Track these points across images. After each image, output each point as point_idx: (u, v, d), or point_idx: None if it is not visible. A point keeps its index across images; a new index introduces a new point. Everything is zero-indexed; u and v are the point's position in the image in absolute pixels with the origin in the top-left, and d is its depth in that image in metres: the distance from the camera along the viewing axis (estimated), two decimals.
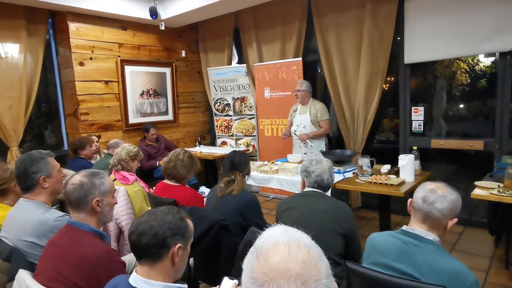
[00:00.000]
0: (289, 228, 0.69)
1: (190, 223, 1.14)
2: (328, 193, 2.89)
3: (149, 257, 1.05)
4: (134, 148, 2.70)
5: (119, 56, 4.61)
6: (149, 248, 1.04)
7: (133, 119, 4.84)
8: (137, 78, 4.85)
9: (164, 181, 2.46)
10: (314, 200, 1.88)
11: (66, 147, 4.56)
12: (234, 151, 2.34)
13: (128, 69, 4.71)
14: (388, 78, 4.21)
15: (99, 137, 4.41)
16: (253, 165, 3.58)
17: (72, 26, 4.17)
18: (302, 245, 0.64)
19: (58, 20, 4.28)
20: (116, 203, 1.56)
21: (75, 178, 1.50)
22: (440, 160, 4.20)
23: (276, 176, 3.24)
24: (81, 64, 4.26)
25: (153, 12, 4.51)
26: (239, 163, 2.21)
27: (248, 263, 0.66)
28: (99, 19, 4.38)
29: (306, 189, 1.97)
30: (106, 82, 4.53)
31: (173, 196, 2.30)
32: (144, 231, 1.05)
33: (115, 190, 1.60)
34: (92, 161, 3.72)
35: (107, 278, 1.14)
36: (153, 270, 1.05)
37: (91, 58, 4.35)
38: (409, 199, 1.38)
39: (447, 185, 1.32)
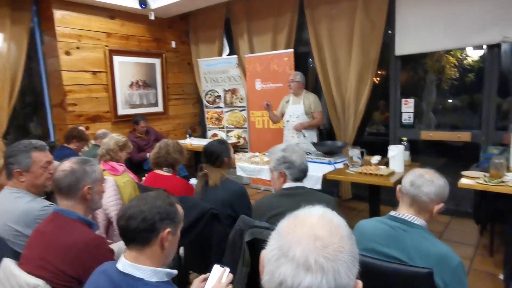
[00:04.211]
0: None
1: (179, 208, 1.13)
2: (319, 185, 2.91)
3: (138, 241, 1.03)
4: (122, 138, 2.66)
5: (107, 46, 4.52)
6: (138, 233, 1.02)
7: (122, 110, 4.76)
8: (126, 68, 4.76)
9: (154, 171, 2.43)
10: (301, 199, 1.75)
11: (52, 138, 4.47)
12: (211, 141, 2.27)
13: (116, 59, 4.62)
14: (380, 72, 4.24)
15: (87, 128, 4.34)
16: (244, 156, 3.57)
17: (58, 14, 4.06)
18: (337, 224, 0.64)
19: (43, 7, 4.16)
20: (104, 192, 1.53)
21: (65, 164, 1.46)
22: (430, 152, 4.26)
23: (267, 167, 3.23)
24: (67, 53, 4.16)
25: (142, 1, 4.42)
26: (211, 153, 2.12)
27: (278, 225, 0.66)
28: (85, 7, 4.27)
29: (288, 184, 1.76)
30: (94, 73, 4.43)
31: (164, 186, 2.26)
32: (134, 215, 1.03)
33: (104, 179, 1.57)
34: (80, 154, 3.66)
35: (95, 265, 1.12)
36: (142, 255, 1.04)
37: (77, 48, 4.25)
38: (398, 186, 1.39)
39: (435, 172, 1.34)
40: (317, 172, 2.92)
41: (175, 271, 1.11)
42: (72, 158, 1.51)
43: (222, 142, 2.26)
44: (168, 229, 1.06)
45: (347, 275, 0.58)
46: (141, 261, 1.03)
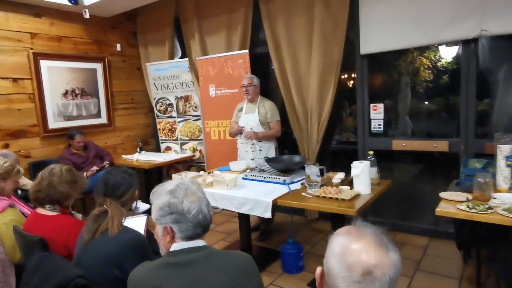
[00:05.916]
0: None
1: None
2: (268, 214, 2.33)
3: None
4: (5, 162, 2.03)
5: (31, 49, 3.85)
6: None
7: (54, 123, 4.08)
8: (58, 75, 4.10)
9: (37, 210, 1.81)
10: (200, 271, 1.06)
11: None
12: (113, 168, 1.73)
13: (44, 64, 3.95)
14: (353, 75, 3.75)
15: (6, 146, 3.66)
16: (186, 176, 3.00)
17: None
18: None
19: None
20: None
21: None
22: (406, 161, 3.77)
23: (209, 190, 2.66)
24: None
25: None
26: (115, 185, 1.58)
27: None
28: (1, 3, 3.61)
29: (178, 245, 1.11)
30: (15, 80, 3.76)
31: (45, 230, 1.67)
32: None
33: None
34: None
35: None
36: None
37: None
38: (318, 271, 0.80)
39: (375, 239, 0.74)
40: (266, 196, 2.38)
41: None
42: None
43: (128, 172, 1.70)
44: None
45: None
46: None
